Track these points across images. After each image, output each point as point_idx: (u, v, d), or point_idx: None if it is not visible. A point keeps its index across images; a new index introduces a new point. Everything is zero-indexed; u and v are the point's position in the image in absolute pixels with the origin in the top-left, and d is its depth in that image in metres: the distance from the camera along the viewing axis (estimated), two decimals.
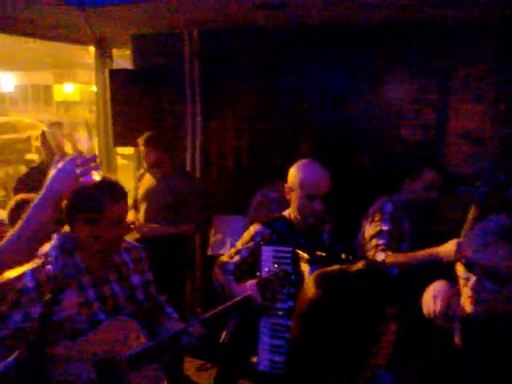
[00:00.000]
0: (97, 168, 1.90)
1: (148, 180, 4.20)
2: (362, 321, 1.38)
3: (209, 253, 4.22)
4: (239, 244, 2.70)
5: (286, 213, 2.71)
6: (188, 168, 4.80)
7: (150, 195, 4.12)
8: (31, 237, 1.83)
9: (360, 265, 1.47)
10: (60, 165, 1.86)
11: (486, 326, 1.56)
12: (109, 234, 2.06)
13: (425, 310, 1.92)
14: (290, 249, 2.45)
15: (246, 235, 2.69)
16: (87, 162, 1.87)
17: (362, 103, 4.33)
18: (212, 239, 4.05)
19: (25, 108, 31.10)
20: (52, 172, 1.87)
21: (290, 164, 2.70)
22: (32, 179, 3.86)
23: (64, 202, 2.04)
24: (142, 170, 4.35)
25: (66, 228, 2.14)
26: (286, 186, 2.65)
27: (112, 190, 2.06)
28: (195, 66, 4.66)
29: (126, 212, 2.15)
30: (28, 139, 17.31)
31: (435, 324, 1.85)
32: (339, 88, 4.35)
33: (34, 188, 2.95)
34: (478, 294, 1.54)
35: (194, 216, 4.05)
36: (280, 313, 2.42)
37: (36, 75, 31.29)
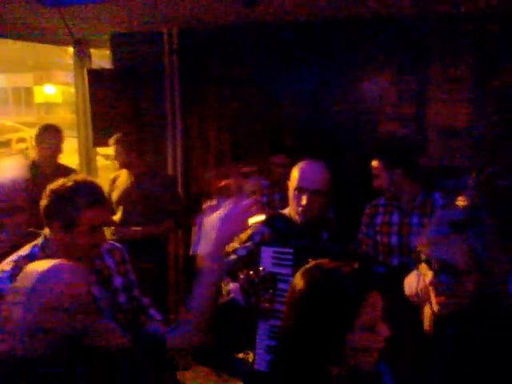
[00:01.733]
0: (260, 210, 1.85)
1: (123, 181, 4.18)
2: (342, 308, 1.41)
3: (191, 252, 4.21)
4: (236, 242, 2.59)
5: (286, 211, 2.65)
6: (169, 167, 4.78)
7: (125, 196, 4.09)
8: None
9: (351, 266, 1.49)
10: (222, 212, 1.76)
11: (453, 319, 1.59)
12: (83, 240, 2.01)
13: (407, 290, 1.94)
14: (291, 250, 2.35)
15: (244, 234, 2.57)
16: (250, 205, 1.78)
17: (340, 101, 4.34)
18: (194, 238, 4.03)
19: (5, 111, 30.75)
20: (212, 220, 1.76)
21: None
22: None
23: (42, 204, 2.02)
24: (115, 173, 4.33)
25: (47, 231, 2.11)
26: (288, 183, 2.61)
27: (90, 195, 2.00)
28: (174, 65, 4.64)
29: (105, 218, 2.10)
30: (8, 142, 17.15)
31: (415, 306, 1.87)
32: (318, 86, 4.36)
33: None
34: (437, 288, 1.57)
35: (171, 212, 4.05)
36: (278, 314, 2.33)
37: (16, 77, 30.96)
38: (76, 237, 2.00)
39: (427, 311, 1.72)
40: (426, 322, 1.73)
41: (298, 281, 1.49)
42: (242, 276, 2.19)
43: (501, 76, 3.88)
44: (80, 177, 2.10)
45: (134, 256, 3.15)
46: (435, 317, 1.65)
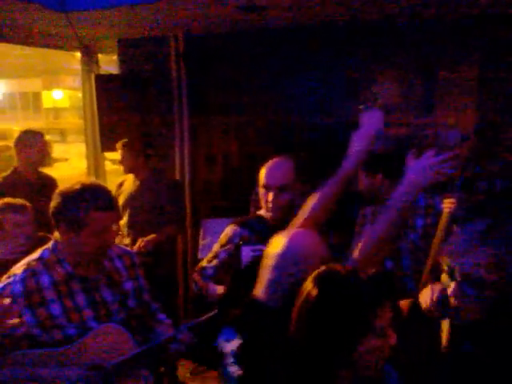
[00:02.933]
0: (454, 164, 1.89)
1: (129, 186, 4.19)
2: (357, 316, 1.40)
3: (199, 256, 4.21)
4: (216, 247, 2.67)
5: (261, 212, 2.67)
6: (177, 172, 4.80)
7: (131, 201, 4.11)
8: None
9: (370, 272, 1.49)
10: (420, 158, 1.86)
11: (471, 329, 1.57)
12: (90, 242, 2.03)
13: (423, 303, 1.93)
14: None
15: (223, 238, 2.65)
16: (447, 157, 1.83)
17: (348, 102, 4.33)
18: (201, 243, 4.04)
19: (14, 116, 30.95)
20: (410, 165, 1.87)
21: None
22: (3, 190, 3.67)
23: (50, 206, 2.04)
24: (121, 178, 4.34)
25: (56, 235, 2.13)
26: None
27: (98, 198, 2.01)
28: (182, 69, 4.65)
29: (113, 221, 2.11)
30: None
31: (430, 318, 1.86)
32: (325, 88, 4.36)
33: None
34: (458, 300, 1.56)
35: (173, 217, 4.07)
36: None
37: (24, 82, 31.17)
38: (83, 238, 2.01)
39: (445, 326, 1.71)
40: (444, 337, 1.71)
41: (311, 287, 1.48)
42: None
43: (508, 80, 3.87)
44: (88, 180, 2.12)
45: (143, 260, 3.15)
46: (453, 331, 1.64)
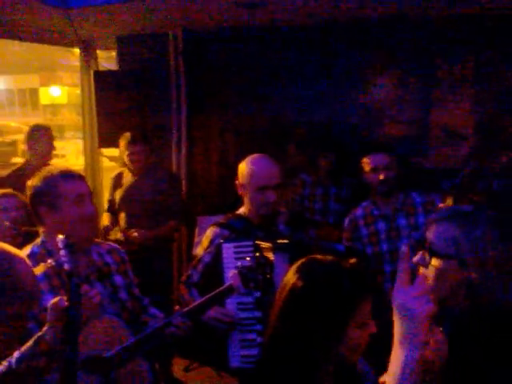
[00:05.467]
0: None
1: (125, 181, 4.20)
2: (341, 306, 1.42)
3: (194, 252, 4.23)
4: (199, 251, 2.69)
5: (240, 211, 2.70)
6: (174, 168, 4.80)
7: (130, 195, 4.12)
8: None
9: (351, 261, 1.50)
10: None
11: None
12: (72, 213, 2.07)
13: None
14: (251, 242, 2.42)
15: (205, 241, 2.66)
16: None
17: (345, 103, 4.36)
18: (197, 239, 4.05)
19: (11, 112, 30.85)
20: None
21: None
22: (11, 181, 3.80)
23: (27, 199, 2.11)
24: (116, 172, 4.35)
25: (40, 228, 2.16)
26: (237, 182, 2.65)
27: (64, 172, 2.12)
28: (180, 66, 4.66)
29: (86, 189, 2.16)
30: (14, 143, 17.22)
31: None
32: (323, 88, 4.38)
33: (15, 190, 2.97)
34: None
35: (174, 211, 4.09)
36: (249, 306, 2.40)
37: (22, 78, 31.06)
38: (63, 212, 2.07)
39: None
40: None
41: (293, 277, 1.48)
42: (239, 263, 2.21)
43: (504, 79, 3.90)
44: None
45: (139, 254, 3.17)
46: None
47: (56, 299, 1.69)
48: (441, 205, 2.52)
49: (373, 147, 3.24)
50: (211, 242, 2.62)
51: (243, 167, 2.63)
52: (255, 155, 2.66)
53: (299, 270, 1.50)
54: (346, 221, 3.31)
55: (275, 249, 2.34)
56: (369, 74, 4.31)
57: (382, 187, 3.13)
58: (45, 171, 2.16)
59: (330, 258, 1.53)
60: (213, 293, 2.17)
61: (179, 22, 4.31)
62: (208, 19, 4.11)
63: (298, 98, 4.46)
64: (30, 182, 2.15)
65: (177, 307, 2.22)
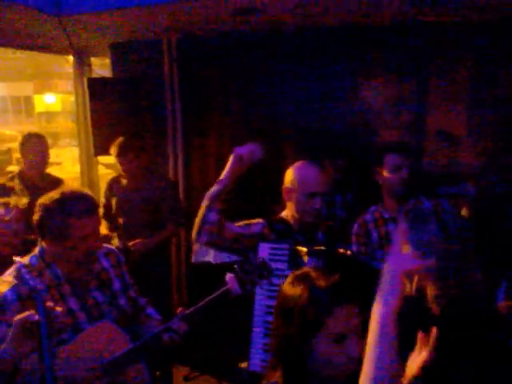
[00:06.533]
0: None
1: (122, 188, 4.18)
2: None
3: (192, 260, 4.20)
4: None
5: (283, 214, 2.73)
6: (170, 175, 4.78)
7: (126, 202, 4.10)
8: None
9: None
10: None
11: None
12: (76, 250, 2.04)
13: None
14: (287, 246, 2.46)
15: (247, 221, 2.69)
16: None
17: (341, 107, 4.35)
18: (195, 247, 4.02)
19: (5, 120, 30.80)
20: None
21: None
22: (7, 188, 3.78)
23: (34, 219, 2.05)
24: (110, 178, 4.33)
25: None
26: (283, 187, 2.67)
27: (77, 205, 2.03)
28: (174, 73, 4.65)
29: (96, 226, 2.12)
30: (9, 151, 17.19)
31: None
32: (319, 92, 4.37)
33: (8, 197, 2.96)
34: None
35: (172, 216, 4.08)
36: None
37: (16, 86, 31.02)
38: (67, 247, 2.03)
39: None
40: None
41: (294, 288, 1.48)
42: (236, 266, 2.24)
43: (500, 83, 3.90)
44: (67, 188, 2.15)
45: (138, 261, 3.13)
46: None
47: (25, 314, 1.68)
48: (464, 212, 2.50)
49: (392, 147, 3.17)
50: (254, 223, 2.66)
51: (291, 173, 2.65)
52: (305, 162, 2.67)
53: (292, 278, 1.51)
54: (355, 226, 3.25)
55: (309, 254, 2.37)
56: (364, 79, 4.30)
57: (402, 188, 3.09)
58: (62, 196, 2.05)
59: (316, 271, 1.51)
60: (209, 297, 2.18)
61: (173, 28, 4.29)
62: (202, 26, 4.09)
63: (295, 103, 4.45)
64: (42, 201, 2.07)
65: (179, 309, 2.23)
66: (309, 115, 4.42)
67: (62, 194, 2.06)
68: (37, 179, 4.10)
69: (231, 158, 2.58)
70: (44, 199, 2.07)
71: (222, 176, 2.60)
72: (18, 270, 2.08)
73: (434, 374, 1.38)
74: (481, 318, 1.58)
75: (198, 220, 2.61)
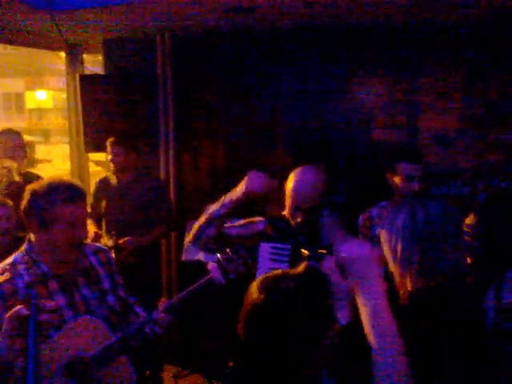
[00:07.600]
0: None
1: (113, 186, 4.16)
2: (301, 324, 1.37)
3: (182, 258, 4.19)
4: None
5: (285, 212, 2.71)
6: (162, 174, 4.76)
7: (117, 202, 4.08)
8: None
9: (300, 268, 1.48)
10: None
11: None
12: (61, 237, 2.02)
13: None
14: (289, 246, 2.45)
15: (248, 219, 2.68)
16: None
17: (335, 107, 4.35)
18: (186, 245, 4.01)
19: None
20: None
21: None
22: None
23: (22, 204, 2.04)
24: (99, 180, 4.31)
25: (31, 235, 2.12)
26: (285, 188, 2.66)
27: (65, 192, 2.02)
28: (167, 70, 4.62)
29: (82, 216, 2.09)
30: None
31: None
32: (311, 92, 4.37)
33: None
34: None
35: (163, 216, 4.09)
36: None
37: (6, 82, 30.81)
38: (54, 234, 2.01)
39: None
40: None
41: (257, 293, 1.44)
42: (219, 255, 2.23)
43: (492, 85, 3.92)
44: (57, 177, 2.15)
45: (128, 261, 3.11)
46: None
47: (16, 308, 1.66)
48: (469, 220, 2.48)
49: (406, 155, 3.14)
50: (255, 221, 2.65)
51: (290, 178, 2.64)
52: (301, 169, 2.64)
53: (258, 283, 1.47)
54: (361, 218, 3.23)
55: (310, 257, 2.32)
56: (357, 80, 4.31)
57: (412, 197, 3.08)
58: (50, 181, 2.06)
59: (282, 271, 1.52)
60: (192, 286, 2.19)
61: (166, 26, 4.28)
62: (196, 23, 4.08)
63: (289, 103, 4.44)
64: (31, 187, 2.06)
65: (162, 300, 2.23)
66: (301, 113, 4.42)
67: (51, 179, 2.07)
68: (18, 177, 3.72)
69: (243, 188, 2.46)
70: (33, 185, 2.07)
71: (227, 199, 2.53)
72: (3, 268, 2.06)
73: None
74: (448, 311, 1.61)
75: (196, 227, 2.59)
